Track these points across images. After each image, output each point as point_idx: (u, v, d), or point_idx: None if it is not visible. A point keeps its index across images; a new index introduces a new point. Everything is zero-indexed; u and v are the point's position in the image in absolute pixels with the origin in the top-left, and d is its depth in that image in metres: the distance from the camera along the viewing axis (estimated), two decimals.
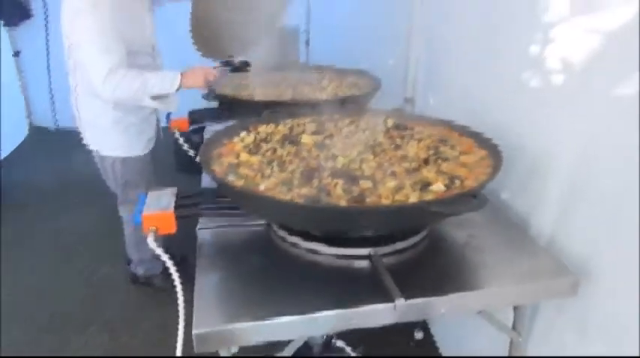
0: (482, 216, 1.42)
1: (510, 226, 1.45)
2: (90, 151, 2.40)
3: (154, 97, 2.06)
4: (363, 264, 1.25)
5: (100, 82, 1.97)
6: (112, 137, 2.28)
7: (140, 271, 2.70)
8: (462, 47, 1.93)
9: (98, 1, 1.92)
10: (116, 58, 1.97)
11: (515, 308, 1.36)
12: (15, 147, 4.76)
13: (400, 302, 1.08)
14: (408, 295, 1.10)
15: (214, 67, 2.15)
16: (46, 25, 4.78)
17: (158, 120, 2.53)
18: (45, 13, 4.73)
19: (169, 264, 1.26)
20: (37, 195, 3.76)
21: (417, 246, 1.32)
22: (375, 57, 2.87)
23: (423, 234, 1.33)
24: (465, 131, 1.53)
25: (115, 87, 1.98)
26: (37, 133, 5.19)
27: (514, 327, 1.37)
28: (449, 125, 1.59)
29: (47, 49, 4.85)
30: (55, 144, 4.74)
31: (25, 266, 2.97)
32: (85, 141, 2.38)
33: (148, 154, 2.44)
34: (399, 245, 1.28)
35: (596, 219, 1.21)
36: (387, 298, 1.10)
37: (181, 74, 2.03)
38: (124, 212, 2.56)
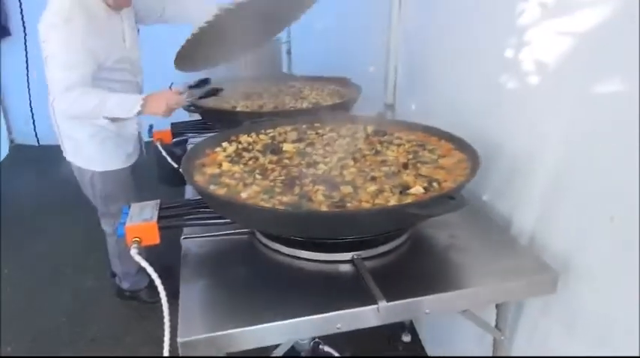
0: (464, 217, 1.45)
1: (492, 226, 1.48)
2: (69, 164, 2.39)
3: (113, 118, 2.06)
4: (347, 268, 1.26)
5: (57, 97, 1.98)
6: (89, 150, 2.28)
7: (125, 285, 2.68)
8: (439, 53, 1.97)
9: (71, 16, 1.93)
10: (76, 75, 1.95)
11: (498, 307, 1.39)
12: None
13: (383, 304, 1.10)
14: (390, 297, 1.11)
15: (180, 93, 2.10)
16: (25, 43, 4.76)
17: (140, 135, 2.53)
18: (24, 31, 4.72)
19: (154, 275, 1.25)
20: (20, 212, 3.72)
21: (400, 249, 1.34)
22: (356, 64, 2.91)
23: (405, 236, 1.35)
24: (443, 135, 1.56)
25: (70, 103, 1.98)
26: (17, 151, 5.13)
27: (497, 326, 1.40)
28: (427, 130, 1.62)
29: (27, 67, 4.82)
30: (36, 161, 4.69)
31: (10, 283, 2.93)
32: (64, 154, 2.38)
33: (128, 168, 2.43)
34: (382, 248, 1.30)
35: (575, 217, 1.24)
36: (370, 301, 1.11)
37: (144, 99, 2.00)
38: (105, 225, 2.55)
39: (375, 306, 1.11)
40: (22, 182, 4.36)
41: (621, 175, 1.08)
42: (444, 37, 1.92)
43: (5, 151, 5.08)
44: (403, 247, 1.34)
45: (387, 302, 1.11)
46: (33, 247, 3.31)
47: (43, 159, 4.67)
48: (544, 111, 1.34)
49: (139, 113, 2.00)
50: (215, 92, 2.20)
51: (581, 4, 1.18)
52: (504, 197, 1.52)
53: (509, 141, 1.49)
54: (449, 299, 1.19)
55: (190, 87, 2.24)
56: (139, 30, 2.38)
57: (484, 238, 1.40)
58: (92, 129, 2.22)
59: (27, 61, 4.80)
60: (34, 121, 5.07)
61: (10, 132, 5.22)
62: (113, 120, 2.08)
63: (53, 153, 4.43)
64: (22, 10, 4.69)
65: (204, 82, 2.27)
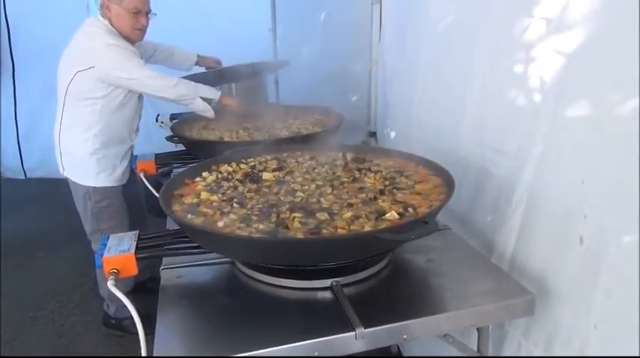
0: (444, 242, 1.47)
1: (471, 251, 1.49)
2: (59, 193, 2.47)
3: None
4: (326, 295, 1.26)
5: (168, 86, 2.24)
6: (86, 166, 2.37)
7: (112, 310, 2.65)
8: (420, 79, 2.02)
9: (112, 36, 2.21)
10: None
11: (479, 330, 1.38)
12: None
13: (360, 330, 1.10)
14: (368, 323, 1.11)
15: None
16: (13, 77, 4.80)
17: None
18: (12, 65, 4.76)
19: (131, 309, 1.23)
20: (10, 245, 3.67)
21: (380, 274, 1.34)
22: (340, 94, 2.97)
23: (385, 262, 1.36)
24: (420, 161, 1.59)
25: (176, 84, 2.25)
26: (6, 184, 5.11)
27: (478, 349, 1.39)
28: (405, 156, 1.64)
29: (15, 101, 4.84)
30: (24, 194, 4.68)
31: (4, 312, 2.89)
32: (60, 170, 2.47)
33: (120, 188, 2.48)
34: (362, 274, 1.30)
35: (549, 238, 1.26)
36: (348, 328, 1.11)
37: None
38: (95, 244, 2.54)
39: (352, 333, 1.11)
40: (10, 214, 4.32)
41: (587, 195, 1.11)
42: (425, 64, 1.97)
43: None
44: (383, 272, 1.35)
45: (365, 328, 1.11)
46: (18, 279, 3.27)
47: (30, 192, 4.67)
48: (527, 134, 1.37)
49: (219, 101, 2.34)
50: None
51: (573, 24, 1.20)
52: (490, 222, 1.54)
53: (495, 167, 1.52)
54: (428, 324, 1.19)
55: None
56: None
57: (464, 262, 1.41)
58: (92, 146, 2.33)
59: (15, 96, 4.82)
60: (21, 154, 5.06)
61: None
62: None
63: (41, 186, 4.45)
64: (10, 46, 4.73)
65: None
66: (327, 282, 1.26)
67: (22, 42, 4.65)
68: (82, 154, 2.35)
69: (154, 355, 1.06)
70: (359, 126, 2.78)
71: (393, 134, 2.23)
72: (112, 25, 2.22)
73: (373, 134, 2.68)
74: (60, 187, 2.53)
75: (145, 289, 2.51)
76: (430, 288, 1.31)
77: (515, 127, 1.42)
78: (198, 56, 2.81)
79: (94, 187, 2.40)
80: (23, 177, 5.12)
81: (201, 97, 2.28)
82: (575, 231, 1.16)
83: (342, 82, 3.02)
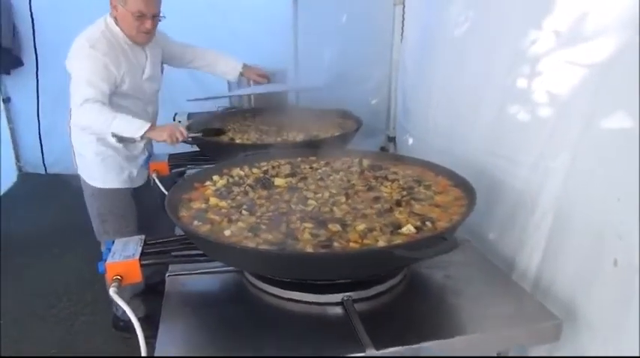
0: (463, 256, 1.38)
1: (491, 267, 1.40)
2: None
3: (120, 139, 2.20)
4: (337, 310, 1.19)
5: (75, 108, 2.14)
6: (92, 167, 2.38)
7: (120, 311, 2.62)
8: (439, 86, 1.93)
9: (97, 44, 2.15)
10: (95, 91, 2.11)
11: (498, 355, 1.30)
12: (3, 193, 4.71)
13: (371, 351, 1.03)
14: (379, 344, 1.04)
15: (187, 127, 2.27)
16: (36, 73, 4.83)
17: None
18: (36, 61, 4.79)
19: (133, 319, 1.18)
20: (25, 241, 3.69)
21: (394, 290, 1.27)
22: (359, 96, 2.90)
23: (400, 277, 1.28)
24: (440, 170, 1.51)
25: (83, 113, 2.13)
26: (26, 179, 5.16)
27: None
28: (426, 165, 1.56)
29: (37, 97, 4.88)
30: (44, 190, 4.70)
31: (4, 312, 2.88)
32: (75, 168, 2.48)
33: (128, 190, 2.44)
34: (374, 289, 1.23)
35: (579, 259, 1.17)
36: (358, 348, 1.05)
37: (152, 125, 2.14)
38: (103, 245, 2.52)
39: (362, 354, 1.04)
40: (29, 210, 4.36)
41: (623, 214, 1.02)
42: (444, 70, 1.89)
43: (13, 179, 5.11)
44: (397, 288, 1.27)
45: (376, 350, 1.04)
46: (30, 276, 3.27)
47: (50, 187, 4.69)
48: (549, 145, 1.29)
49: (142, 137, 2.12)
50: (218, 133, 2.30)
51: (592, 36, 1.14)
52: (507, 236, 1.45)
53: (511, 177, 1.44)
54: (444, 348, 1.11)
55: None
56: (162, 68, 2.54)
57: (484, 280, 1.33)
58: (97, 147, 2.32)
59: (37, 91, 4.86)
60: (42, 150, 5.10)
61: (18, 159, 5.27)
62: (120, 140, 2.22)
63: (60, 182, 4.48)
64: (35, 41, 4.77)
65: (218, 131, 2.34)
66: (338, 297, 1.19)
67: (46, 38, 4.68)
68: (89, 154, 2.35)
69: None
70: (378, 130, 2.70)
71: (411, 140, 2.14)
72: (117, 25, 2.19)
73: (392, 139, 2.60)
74: (79, 184, 2.53)
75: (155, 291, 2.47)
76: (447, 308, 1.23)
77: (533, 137, 1.34)
78: (245, 66, 2.68)
79: (100, 188, 2.40)
80: (43, 172, 5.17)
81: (114, 134, 2.13)
82: (608, 252, 1.07)
83: (362, 85, 2.94)
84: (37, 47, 4.80)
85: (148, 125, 2.11)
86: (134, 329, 2.73)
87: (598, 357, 1.11)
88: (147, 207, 2.54)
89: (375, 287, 1.23)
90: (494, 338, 1.17)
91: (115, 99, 2.22)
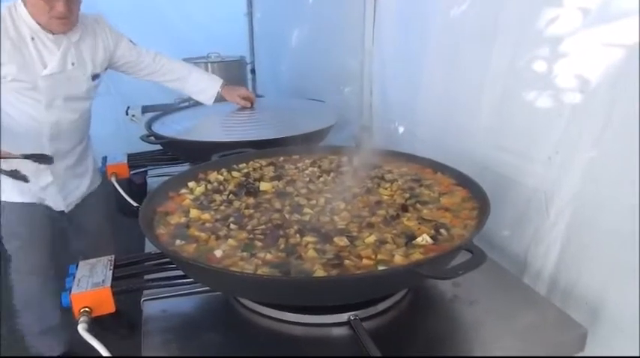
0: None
1: (500, 270, 1.31)
2: None
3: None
4: (343, 331, 1.06)
5: None
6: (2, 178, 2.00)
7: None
8: (424, 75, 1.82)
9: None
10: None
11: None
12: None
13: None
14: None
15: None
16: None
17: (95, 165, 2.28)
18: None
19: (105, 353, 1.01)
20: None
21: (400, 304, 1.15)
22: (326, 84, 2.76)
23: (405, 290, 1.17)
24: (439, 167, 1.40)
25: None
26: None
27: None
28: (427, 162, 1.45)
29: None
30: None
31: None
32: None
33: (37, 206, 2.11)
34: (381, 306, 1.11)
35: (604, 260, 1.10)
36: None
37: None
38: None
39: None
40: None
41: None
42: (434, 55, 1.77)
43: None
44: (403, 302, 1.16)
45: None
46: None
47: None
48: (566, 139, 1.19)
49: None
50: (45, 160, 1.89)
51: (618, 16, 1.04)
52: (516, 237, 1.36)
53: (521, 174, 1.34)
54: None
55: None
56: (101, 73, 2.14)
57: (496, 286, 1.23)
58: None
59: None
60: None
61: None
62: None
63: None
64: None
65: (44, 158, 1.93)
66: (343, 317, 1.06)
67: None
68: None
69: None
70: (348, 120, 2.57)
71: (395, 131, 2.02)
72: (25, 8, 1.84)
73: (367, 128, 2.48)
74: None
75: None
76: (461, 321, 1.13)
77: (546, 131, 1.24)
78: (224, 86, 2.30)
79: (2, 201, 2.05)
80: None
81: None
82: (638, 254, 0.99)
83: (331, 73, 2.80)
84: None
85: None
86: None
87: (599, 357, 1.04)
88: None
89: (381, 303, 1.11)
90: (509, 352, 1.08)
91: (10, 100, 1.88)
